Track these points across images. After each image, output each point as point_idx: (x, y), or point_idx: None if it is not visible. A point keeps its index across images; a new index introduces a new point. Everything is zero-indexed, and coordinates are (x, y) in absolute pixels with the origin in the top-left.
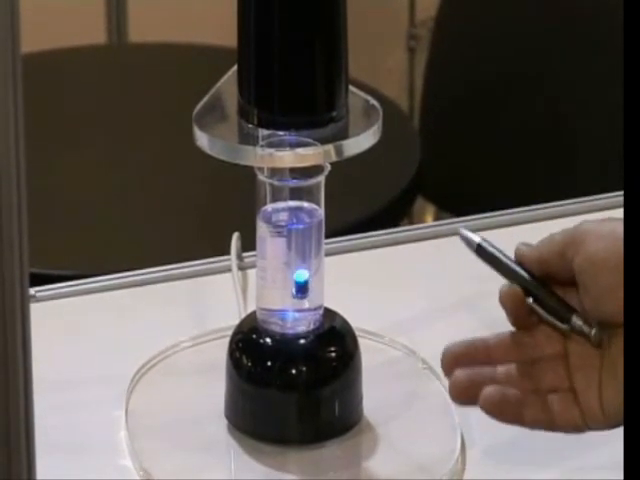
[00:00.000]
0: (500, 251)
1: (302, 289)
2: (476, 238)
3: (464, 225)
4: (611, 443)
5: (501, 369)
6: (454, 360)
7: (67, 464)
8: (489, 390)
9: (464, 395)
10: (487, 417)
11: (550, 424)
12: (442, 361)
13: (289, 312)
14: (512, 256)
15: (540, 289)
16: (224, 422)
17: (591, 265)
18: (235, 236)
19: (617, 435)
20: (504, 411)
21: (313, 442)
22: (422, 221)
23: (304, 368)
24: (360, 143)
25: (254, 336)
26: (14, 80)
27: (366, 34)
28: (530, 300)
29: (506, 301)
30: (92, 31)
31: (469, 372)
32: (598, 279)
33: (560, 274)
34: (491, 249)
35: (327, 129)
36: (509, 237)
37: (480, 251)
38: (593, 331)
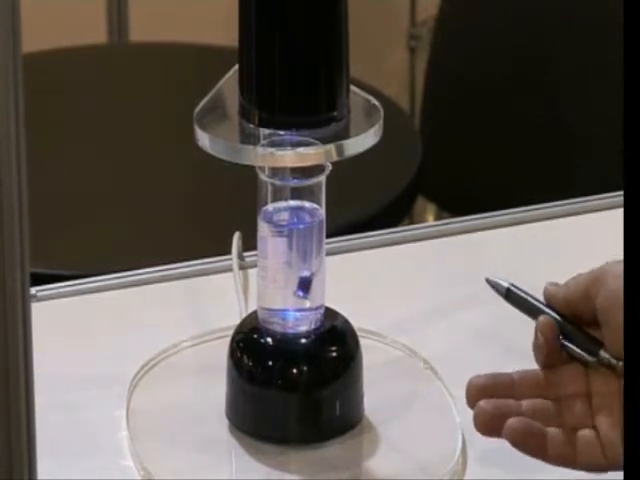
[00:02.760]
0: (528, 294)
1: (304, 287)
2: (504, 283)
3: (464, 225)
4: None
5: (526, 403)
6: (479, 392)
7: (68, 464)
8: (514, 421)
9: (489, 424)
10: None
11: (572, 461)
12: (467, 392)
13: (290, 312)
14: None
15: (568, 326)
16: (225, 422)
17: (611, 303)
18: (236, 236)
19: None
20: (528, 443)
21: (314, 442)
22: (423, 221)
23: (305, 368)
24: (361, 143)
25: (255, 336)
26: (15, 80)
27: (367, 34)
28: (560, 337)
29: (545, 331)
30: (93, 31)
31: (495, 402)
32: (618, 316)
33: (585, 314)
34: (520, 293)
35: (328, 129)
36: (509, 237)
37: (509, 295)
38: (620, 363)
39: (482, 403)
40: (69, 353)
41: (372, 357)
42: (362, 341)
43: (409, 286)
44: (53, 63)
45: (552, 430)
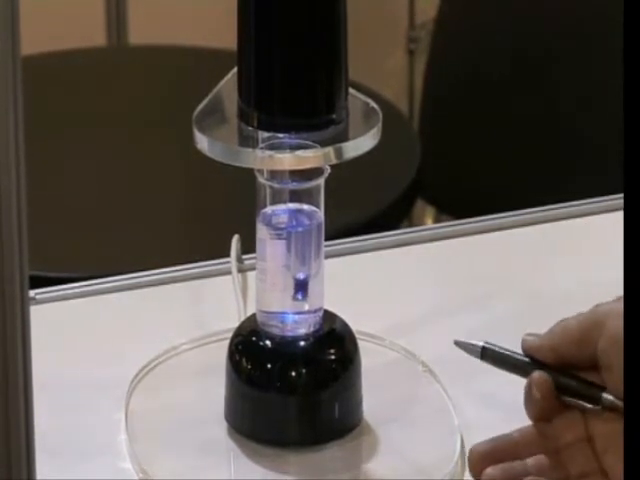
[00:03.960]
0: (505, 349)
1: (303, 290)
2: (478, 343)
3: (463, 228)
4: None
5: (531, 462)
6: (482, 459)
7: (67, 467)
8: None
9: None
10: (487, 419)
11: None
12: (469, 461)
13: (289, 314)
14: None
15: (559, 377)
16: (224, 424)
17: (615, 344)
18: (235, 238)
19: None
20: None
21: (313, 444)
22: (422, 223)
23: (304, 370)
24: (360, 145)
25: (254, 338)
26: (14, 82)
27: (366, 36)
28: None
29: (539, 389)
30: (92, 33)
31: (502, 467)
32: (622, 358)
33: (579, 360)
34: (496, 349)
35: (327, 131)
36: (509, 240)
37: (485, 354)
38: None
39: (490, 470)
40: (68, 356)
41: (371, 360)
42: (361, 344)
43: (408, 289)
44: (52, 65)
45: None
